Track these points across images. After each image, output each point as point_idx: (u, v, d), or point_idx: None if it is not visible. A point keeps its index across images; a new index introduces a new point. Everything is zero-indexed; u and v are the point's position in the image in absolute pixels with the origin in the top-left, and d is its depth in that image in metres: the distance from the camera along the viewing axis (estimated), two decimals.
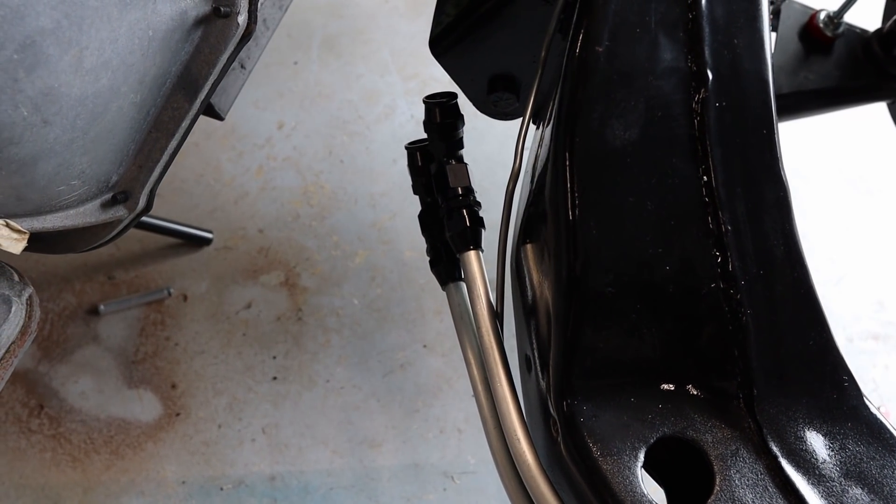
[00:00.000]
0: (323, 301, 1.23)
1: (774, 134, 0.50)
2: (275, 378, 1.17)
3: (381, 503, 1.09)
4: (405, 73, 1.49)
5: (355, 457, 1.12)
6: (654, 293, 0.50)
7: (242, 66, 0.87)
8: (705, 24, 0.47)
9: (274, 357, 1.19)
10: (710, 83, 0.48)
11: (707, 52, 0.48)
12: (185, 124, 0.58)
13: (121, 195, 0.59)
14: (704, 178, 0.49)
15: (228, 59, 0.56)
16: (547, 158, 0.50)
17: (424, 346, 1.21)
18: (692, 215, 0.49)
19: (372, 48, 1.55)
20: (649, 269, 0.49)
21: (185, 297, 1.23)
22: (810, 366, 0.53)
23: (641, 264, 0.49)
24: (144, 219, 1.22)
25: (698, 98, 0.48)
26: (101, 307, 1.18)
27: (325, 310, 1.22)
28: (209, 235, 1.26)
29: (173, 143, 0.59)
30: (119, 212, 0.60)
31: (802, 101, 1.04)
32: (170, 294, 1.21)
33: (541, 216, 0.54)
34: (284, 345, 1.20)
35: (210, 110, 0.84)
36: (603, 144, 0.47)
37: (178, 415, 1.14)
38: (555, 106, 0.49)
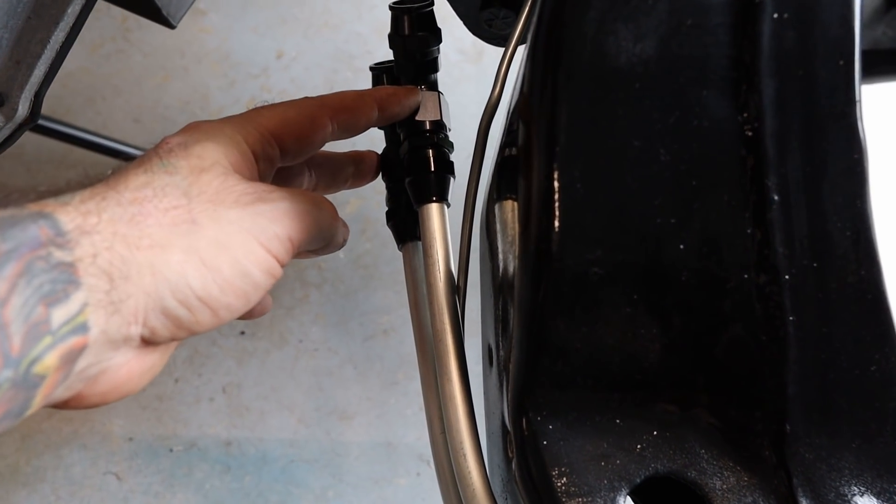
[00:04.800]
0: None
1: (854, 68, 0.34)
2: (242, 333, 1.05)
3: (346, 482, 0.97)
4: None
5: (322, 428, 1.00)
6: (659, 280, 0.36)
7: None
8: None
9: None
10: None
11: None
12: (72, 10, 0.45)
13: None
14: (747, 122, 0.34)
15: None
16: (522, 78, 0.36)
17: None
18: (724, 175, 0.34)
19: None
20: (655, 246, 0.35)
21: None
22: (868, 399, 0.38)
23: (644, 238, 0.35)
24: (118, 146, 1.10)
25: (750, 3, 0.32)
26: None
27: (306, 261, 1.09)
28: None
29: (58, 35, 0.46)
30: None
31: (875, 63, 0.87)
32: None
33: (515, 161, 0.39)
34: None
35: (158, 15, 0.70)
36: (601, 60, 0.32)
37: None
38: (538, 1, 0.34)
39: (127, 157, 1.11)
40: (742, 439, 0.39)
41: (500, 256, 0.44)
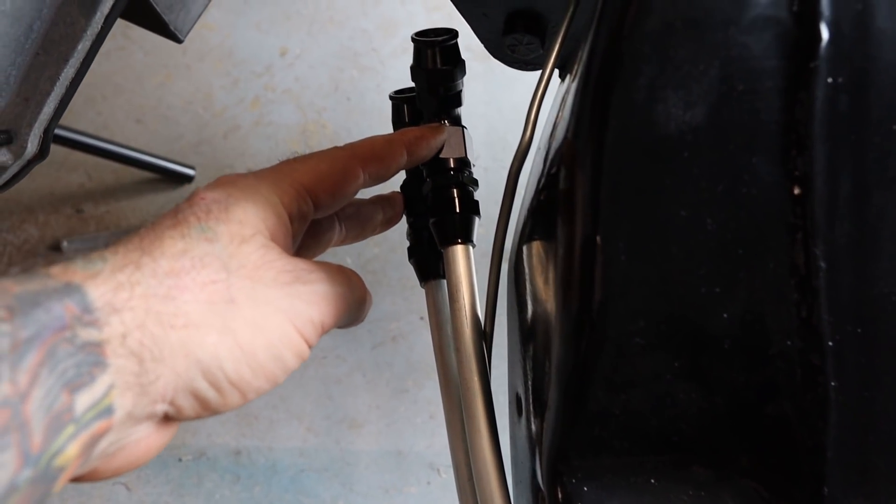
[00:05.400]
0: None
1: None
2: None
3: (356, 492, 0.97)
4: (430, 2, 1.31)
5: (332, 437, 1.00)
6: (701, 348, 0.35)
7: None
8: None
9: None
10: (822, 46, 0.31)
11: None
12: (82, 46, 0.43)
13: (1, 135, 0.44)
14: (797, 188, 0.33)
15: None
16: (565, 136, 0.34)
17: (421, 318, 1.07)
18: (771, 242, 0.33)
19: None
20: (699, 316, 0.34)
21: None
22: None
23: (689, 308, 0.34)
24: (120, 150, 1.08)
25: (804, 68, 0.31)
26: (65, 243, 1.06)
27: None
28: (191, 172, 1.12)
29: (68, 71, 0.44)
30: (0, 156, 0.46)
31: None
32: None
33: (552, 212, 0.38)
34: None
35: (165, 29, 0.68)
36: (650, 127, 0.31)
37: None
38: (583, 60, 0.32)
39: (128, 161, 1.09)
40: (778, 501, 0.38)
41: (529, 303, 0.43)
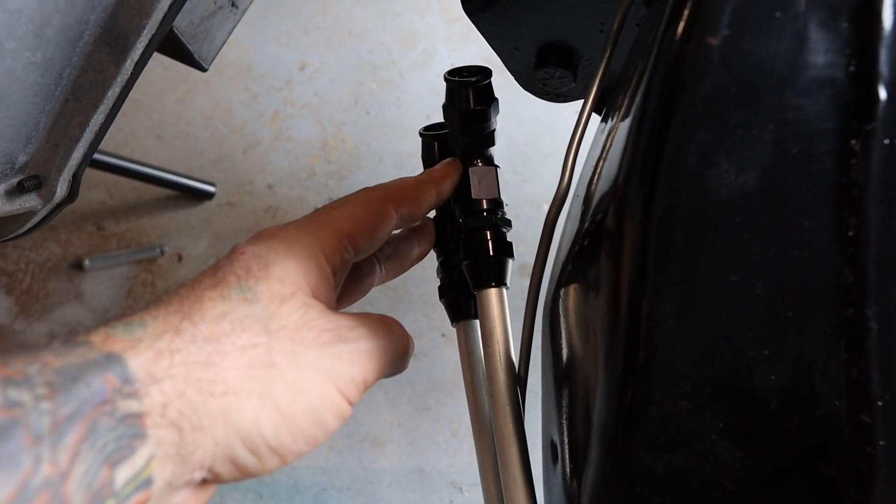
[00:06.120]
0: None
1: None
2: None
3: None
4: (449, 14, 1.30)
5: (354, 455, 0.99)
6: (748, 409, 0.34)
7: (234, 5, 0.70)
8: (887, 7, 0.30)
9: None
10: (879, 108, 0.30)
11: (882, 55, 0.30)
12: (112, 93, 0.43)
13: (30, 181, 0.44)
14: (849, 250, 0.32)
15: (171, 6, 0.40)
16: (612, 192, 0.34)
17: (443, 336, 1.07)
18: (822, 304, 0.33)
19: None
20: (746, 378, 0.33)
21: (180, 258, 1.10)
22: None
23: (736, 370, 0.33)
24: (141, 168, 1.08)
25: (859, 130, 0.30)
26: (87, 262, 1.06)
27: None
28: (212, 189, 1.12)
29: (97, 117, 0.44)
30: (30, 201, 0.46)
31: None
32: (163, 253, 1.08)
33: (594, 260, 0.37)
34: None
35: (189, 58, 0.68)
36: (701, 194, 0.30)
37: None
38: (632, 114, 0.32)
39: (149, 179, 1.09)
40: None
41: (566, 349, 0.42)
